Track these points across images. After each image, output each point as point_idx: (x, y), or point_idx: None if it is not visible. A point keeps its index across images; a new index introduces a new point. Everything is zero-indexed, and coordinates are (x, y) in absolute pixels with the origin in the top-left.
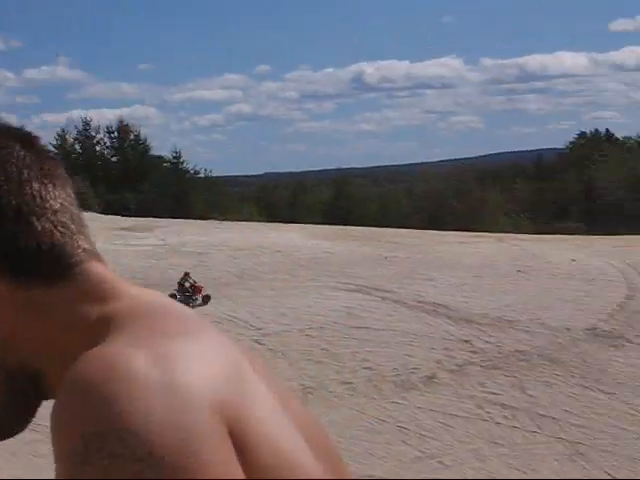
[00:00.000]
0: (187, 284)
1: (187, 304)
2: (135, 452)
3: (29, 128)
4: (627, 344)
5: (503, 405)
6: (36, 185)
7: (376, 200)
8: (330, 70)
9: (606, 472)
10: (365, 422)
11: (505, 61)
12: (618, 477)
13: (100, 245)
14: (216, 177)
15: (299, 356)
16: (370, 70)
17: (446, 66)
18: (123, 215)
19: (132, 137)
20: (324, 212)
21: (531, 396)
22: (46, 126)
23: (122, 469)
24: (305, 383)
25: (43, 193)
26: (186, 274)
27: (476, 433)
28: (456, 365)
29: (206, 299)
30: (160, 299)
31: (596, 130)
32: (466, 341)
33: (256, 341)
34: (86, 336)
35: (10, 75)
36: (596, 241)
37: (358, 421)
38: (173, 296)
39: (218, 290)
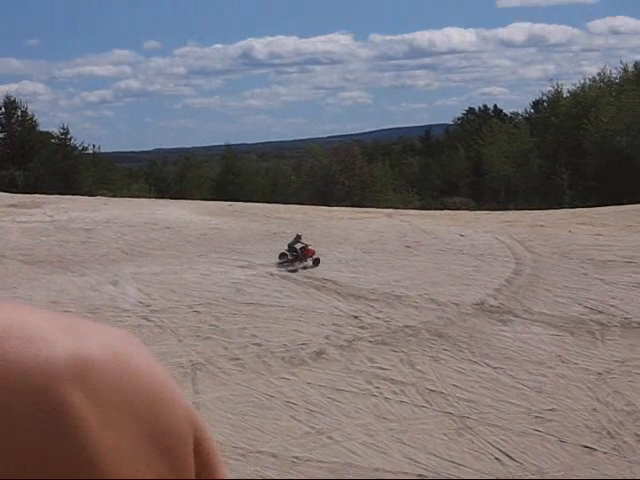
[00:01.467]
0: (298, 246)
1: (294, 264)
2: None
3: None
4: (514, 319)
5: (392, 380)
6: None
7: (265, 176)
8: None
9: (493, 446)
10: (254, 398)
11: (394, 37)
12: (504, 450)
13: None
14: (105, 153)
15: (188, 332)
16: (259, 46)
17: (335, 42)
18: (10, 192)
19: (19, 113)
20: (213, 188)
21: (420, 371)
22: None
23: None
24: (194, 359)
25: None
26: (298, 236)
27: (365, 408)
28: (345, 341)
29: (316, 262)
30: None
31: (484, 106)
32: (355, 317)
33: (144, 317)
34: None
35: None
36: (484, 216)
37: (247, 397)
38: (283, 255)
39: (106, 267)
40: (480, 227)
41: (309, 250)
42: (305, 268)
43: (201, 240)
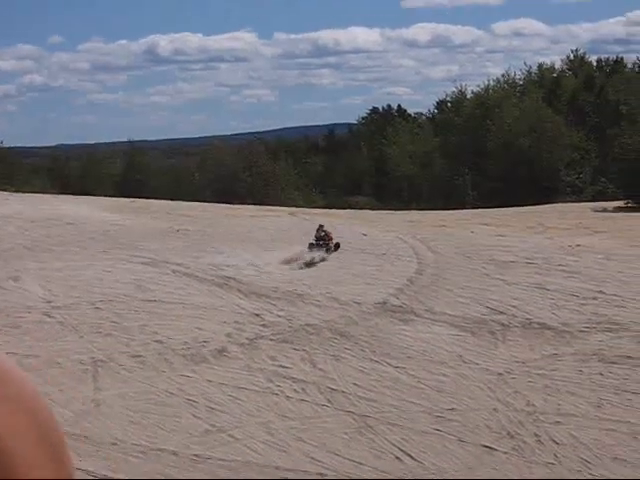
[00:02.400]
0: (322, 234)
1: (324, 249)
2: None
3: None
4: (416, 318)
5: (293, 379)
6: None
7: (169, 173)
8: (123, 42)
9: (394, 445)
10: (155, 395)
11: (298, 36)
12: (405, 449)
13: None
14: (8, 148)
15: (89, 329)
16: (163, 43)
17: (240, 40)
18: None
19: None
20: (116, 185)
21: (321, 370)
22: None
23: None
24: (95, 356)
25: None
26: (320, 226)
27: (266, 406)
28: (247, 339)
29: (337, 246)
30: None
31: (388, 106)
32: (257, 315)
33: (46, 314)
34: None
35: None
36: (387, 216)
37: (148, 394)
38: (312, 245)
39: (8, 262)
40: (383, 227)
41: (330, 235)
42: (328, 252)
43: (103, 236)
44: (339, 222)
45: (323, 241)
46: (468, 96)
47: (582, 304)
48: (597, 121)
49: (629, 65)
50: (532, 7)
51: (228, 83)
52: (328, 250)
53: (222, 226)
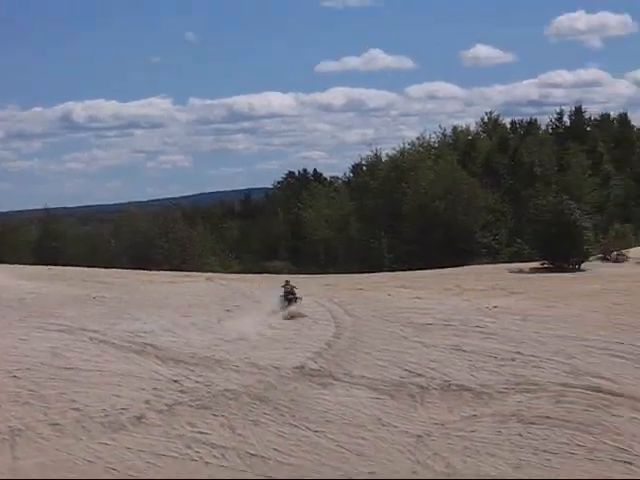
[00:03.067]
0: (289, 288)
1: (294, 303)
2: None
3: None
4: (335, 382)
5: (212, 445)
6: None
7: (85, 240)
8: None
9: None
10: (73, 463)
11: (214, 101)
12: None
13: None
14: None
15: (6, 398)
16: (78, 109)
17: (155, 106)
18: None
19: None
20: (32, 252)
21: (240, 435)
22: None
23: None
24: (12, 425)
25: None
26: (287, 282)
27: (185, 473)
28: (165, 405)
29: (299, 298)
30: None
31: (304, 170)
32: (175, 381)
33: None
34: None
35: None
36: (304, 280)
37: (67, 463)
38: (284, 300)
39: None
40: (300, 291)
41: (294, 290)
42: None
43: (19, 304)
44: (256, 286)
45: (292, 295)
46: (383, 159)
47: (500, 365)
48: (512, 183)
49: (542, 127)
50: (445, 70)
51: (144, 149)
52: (297, 301)
53: (139, 292)
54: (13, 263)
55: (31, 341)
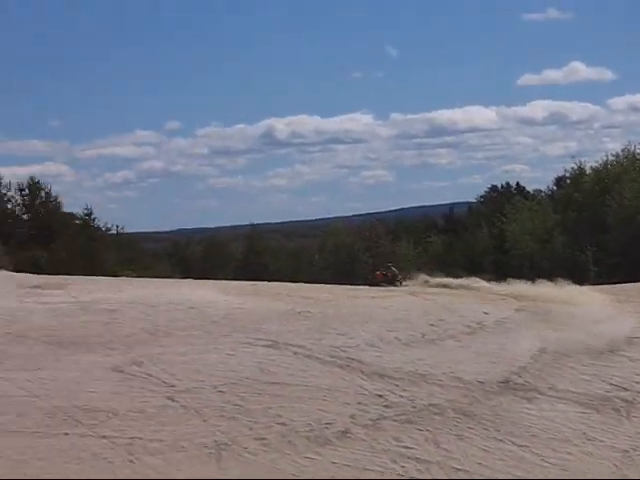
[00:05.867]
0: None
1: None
2: None
3: None
4: (540, 396)
5: (417, 459)
6: None
7: (289, 255)
8: (241, 126)
9: None
10: (279, 477)
11: (415, 116)
12: None
13: (11, 303)
14: (128, 234)
15: (212, 413)
16: (280, 126)
17: (356, 121)
18: (34, 273)
19: (43, 194)
20: (237, 268)
21: (445, 450)
22: None
23: None
24: (218, 439)
25: None
26: (389, 265)
27: None
28: (370, 420)
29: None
30: None
31: (507, 183)
32: (380, 395)
33: (169, 398)
34: None
35: None
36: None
37: (273, 476)
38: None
39: (131, 347)
40: (503, 305)
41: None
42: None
43: (225, 320)
44: (461, 301)
45: (396, 279)
46: (587, 172)
47: None
48: None
49: None
50: None
51: (346, 164)
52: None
53: (342, 307)
54: (219, 278)
55: (237, 356)
